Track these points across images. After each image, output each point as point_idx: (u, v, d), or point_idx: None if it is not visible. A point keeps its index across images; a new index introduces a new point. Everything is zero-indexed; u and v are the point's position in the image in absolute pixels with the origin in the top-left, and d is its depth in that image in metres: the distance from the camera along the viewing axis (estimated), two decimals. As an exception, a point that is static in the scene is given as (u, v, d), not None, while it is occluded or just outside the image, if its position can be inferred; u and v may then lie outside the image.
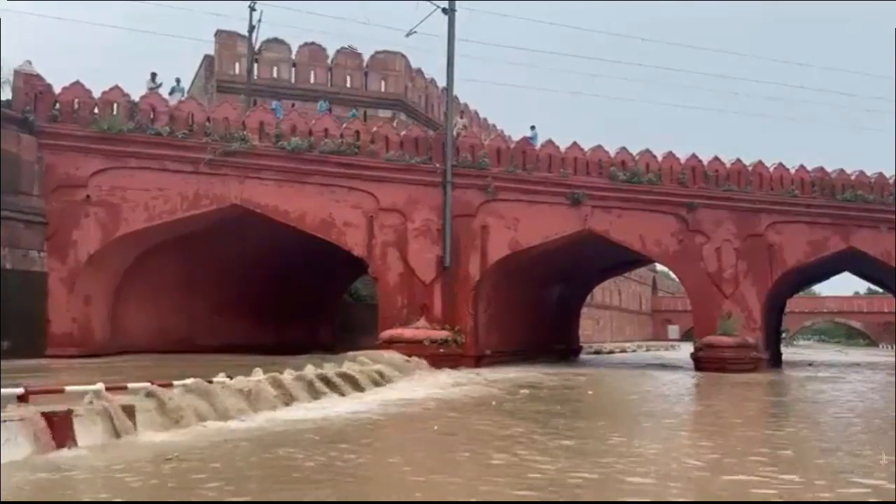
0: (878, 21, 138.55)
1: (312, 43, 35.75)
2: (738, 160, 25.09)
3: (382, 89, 36.16)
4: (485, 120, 43.77)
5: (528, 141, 24.62)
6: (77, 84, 21.89)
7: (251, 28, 31.87)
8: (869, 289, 71.06)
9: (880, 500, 6.04)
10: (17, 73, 21.43)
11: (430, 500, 5.69)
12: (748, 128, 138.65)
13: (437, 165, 23.14)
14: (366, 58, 36.24)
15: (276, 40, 35.20)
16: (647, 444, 8.73)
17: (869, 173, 25.64)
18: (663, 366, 29.29)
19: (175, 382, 9.94)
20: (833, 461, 7.93)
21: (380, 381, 15.26)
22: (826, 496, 6.20)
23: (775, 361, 29.31)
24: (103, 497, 5.83)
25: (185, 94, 26.89)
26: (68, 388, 8.59)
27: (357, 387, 13.91)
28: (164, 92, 23.90)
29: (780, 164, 25.33)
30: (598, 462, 7.41)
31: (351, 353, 17.68)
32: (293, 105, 31.09)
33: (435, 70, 36.38)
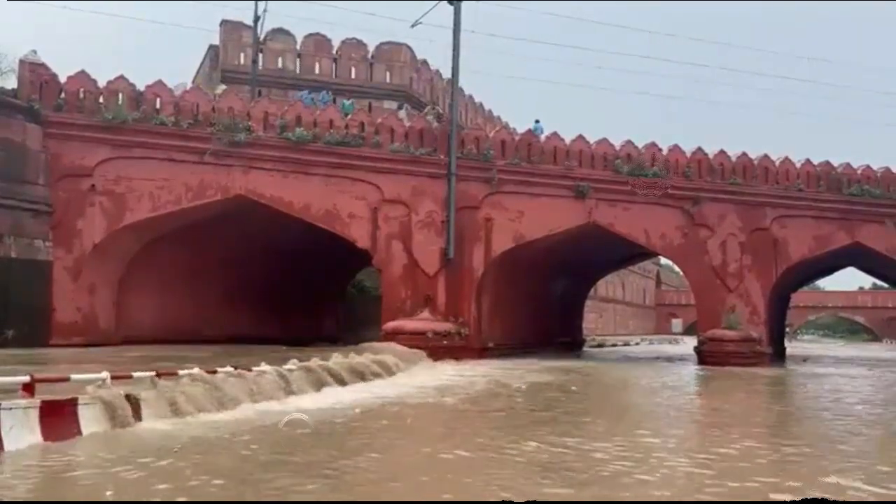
0: (888, 18, 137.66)
1: (317, 33, 35.65)
2: (744, 154, 25.00)
3: (387, 80, 36.07)
4: (490, 112, 43.66)
5: (532, 134, 24.56)
6: (82, 73, 21.90)
7: (256, 18, 31.79)
8: (874, 284, 70.84)
9: (881, 500, 6.03)
10: (22, 62, 21.43)
11: (431, 501, 5.69)
12: (755, 121, 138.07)
13: (442, 157, 23.10)
14: (371, 48, 36.15)
15: (281, 30, 35.10)
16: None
17: (875, 168, 25.54)
18: (668, 359, 29.29)
19: (180, 372, 9.98)
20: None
21: (382, 373, 15.28)
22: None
23: (779, 356, 29.26)
24: (108, 490, 5.84)
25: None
26: (74, 376, 8.60)
27: (361, 378, 13.95)
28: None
29: (787, 158, 25.22)
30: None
31: (355, 346, 17.71)
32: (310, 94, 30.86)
33: (440, 61, 36.25)
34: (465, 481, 6.28)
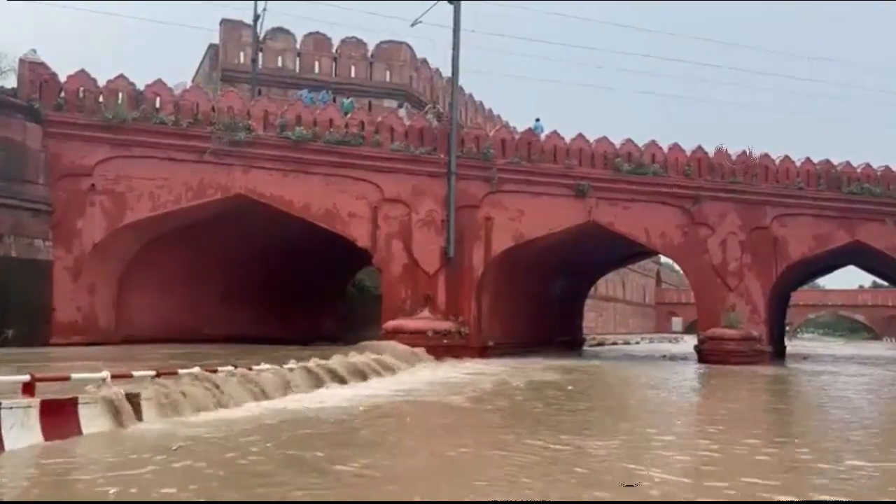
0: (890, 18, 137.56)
1: (317, 32, 35.65)
2: (744, 152, 24.97)
3: (387, 79, 36.05)
4: (490, 111, 43.65)
5: (532, 133, 24.55)
6: (82, 72, 21.89)
7: (256, 17, 31.78)
8: (874, 282, 70.83)
9: (884, 499, 6.03)
10: (22, 61, 21.42)
11: (430, 501, 5.69)
12: (756, 121, 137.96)
13: (442, 156, 23.09)
14: (370, 47, 36.14)
15: (280, 30, 35.09)
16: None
17: (875, 166, 25.53)
18: (668, 358, 29.26)
19: (180, 371, 9.98)
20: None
21: (383, 372, 15.29)
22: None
23: (779, 354, 29.25)
24: (110, 490, 5.84)
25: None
26: (74, 375, 8.61)
27: (362, 377, 13.96)
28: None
29: (787, 157, 25.21)
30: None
31: (355, 345, 17.70)
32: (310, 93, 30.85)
33: (440, 60, 36.28)
34: (472, 482, 6.26)
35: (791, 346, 39.48)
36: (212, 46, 35.63)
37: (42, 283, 20.35)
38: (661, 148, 24.59)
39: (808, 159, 25.26)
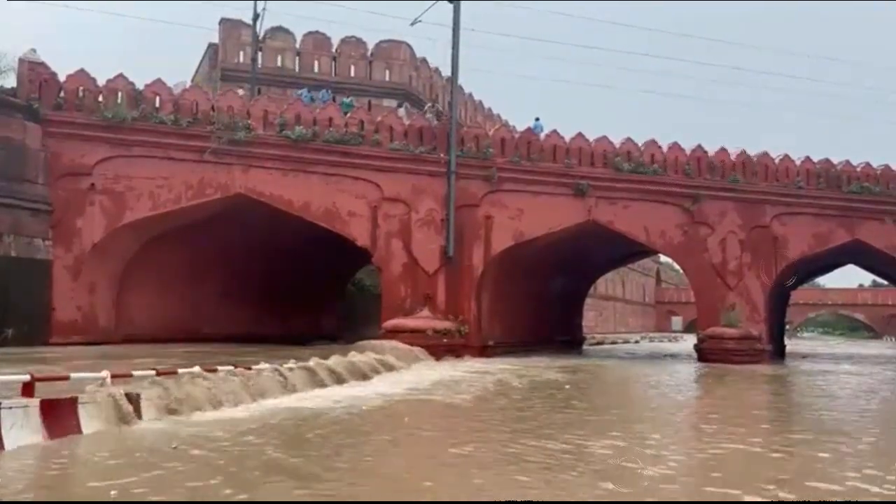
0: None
1: (317, 32, 35.66)
2: (744, 151, 24.99)
3: (387, 78, 36.06)
4: (489, 110, 43.65)
5: (532, 132, 24.55)
6: (81, 72, 21.87)
7: (255, 16, 31.77)
8: (874, 281, 70.82)
9: (881, 500, 6.03)
10: (22, 61, 21.40)
11: (429, 501, 5.69)
12: (756, 120, 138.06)
13: (442, 155, 23.09)
14: (370, 46, 36.13)
15: (280, 29, 35.11)
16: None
17: (875, 165, 25.53)
18: (668, 356, 29.28)
19: (180, 370, 9.98)
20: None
21: (384, 371, 15.30)
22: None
23: (779, 353, 29.26)
24: (107, 487, 5.83)
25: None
26: (74, 375, 8.61)
27: (363, 376, 13.96)
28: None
29: (786, 156, 25.22)
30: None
31: (355, 344, 17.69)
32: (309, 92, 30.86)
33: (440, 59, 36.26)
34: (474, 481, 6.26)
35: (791, 344, 39.50)
36: (211, 46, 35.62)
37: (42, 283, 20.34)
38: (660, 147, 24.59)
39: (807, 158, 25.27)
